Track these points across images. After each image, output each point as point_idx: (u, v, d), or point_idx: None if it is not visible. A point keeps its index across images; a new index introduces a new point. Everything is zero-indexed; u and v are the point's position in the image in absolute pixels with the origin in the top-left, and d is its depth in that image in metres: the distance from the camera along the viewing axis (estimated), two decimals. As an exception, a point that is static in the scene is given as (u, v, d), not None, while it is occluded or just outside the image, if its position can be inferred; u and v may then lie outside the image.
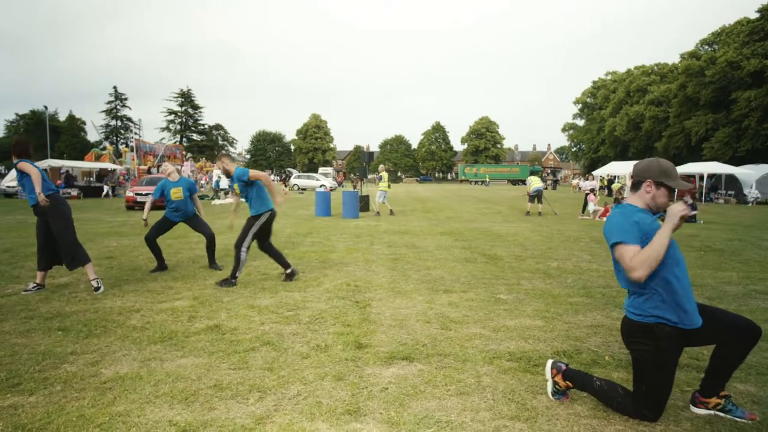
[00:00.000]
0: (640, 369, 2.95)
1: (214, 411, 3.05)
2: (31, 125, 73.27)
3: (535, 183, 18.14)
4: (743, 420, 2.91)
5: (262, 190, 6.56)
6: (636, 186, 3.02)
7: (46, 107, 53.51)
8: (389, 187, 18.38)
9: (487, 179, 74.46)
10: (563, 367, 3.23)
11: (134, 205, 20.22)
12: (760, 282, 6.77)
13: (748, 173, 28.92)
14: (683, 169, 32.10)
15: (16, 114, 78.60)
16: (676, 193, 29.44)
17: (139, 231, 12.53)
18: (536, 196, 18.13)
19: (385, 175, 18.55)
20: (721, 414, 2.97)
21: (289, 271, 6.76)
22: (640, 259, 2.69)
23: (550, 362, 3.31)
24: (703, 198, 29.81)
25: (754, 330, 2.83)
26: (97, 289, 6.01)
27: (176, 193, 7.38)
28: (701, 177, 30.78)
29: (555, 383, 3.22)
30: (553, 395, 3.24)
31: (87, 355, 3.98)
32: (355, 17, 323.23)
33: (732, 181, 29.97)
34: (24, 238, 10.77)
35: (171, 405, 3.12)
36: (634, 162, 38.15)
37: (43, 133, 51.00)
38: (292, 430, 2.83)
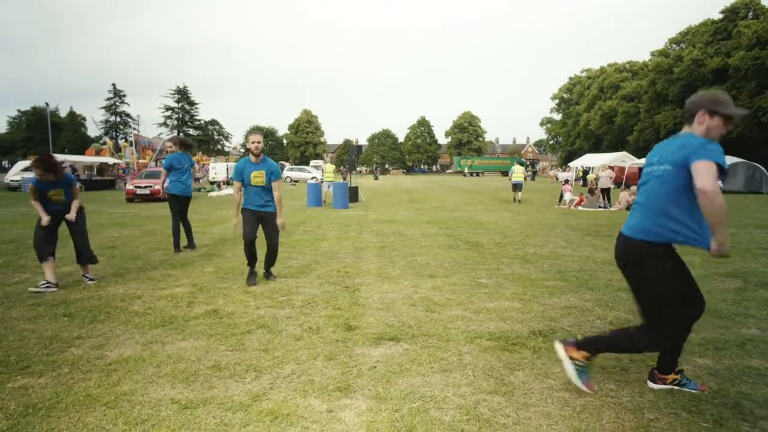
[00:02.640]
0: (650, 290, 2.81)
1: (214, 389, 3.08)
2: (33, 121, 72.14)
3: (516, 176, 18.82)
4: (696, 391, 3.01)
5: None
6: (689, 120, 2.82)
7: (47, 104, 52.58)
8: (334, 177, 18.99)
9: (467, 171, 74.39)
10: (573, 340, 3.09)
11: (134, 198, 20.06)
12: (720, 265, 6.90)
13: (712, 164, 29.27)
14: (652, 160, 32.35)
15: (18, 110, 77.29)
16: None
17: (139, 222, 12.45)
18: (516, 187, 19.10)
19: (327, 166, 19.13)
20: (677, 388, 3.05)
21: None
22: (721, 200, 2.49)
23: (558, 344, 3.12)
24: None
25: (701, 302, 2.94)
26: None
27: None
28: (669, 168, 31.04)
29: (573, 360, 3.03)
30: (578, 378, 3.01)
31: (92, 339, 3.98)
32: (344, 18, 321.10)
33: (698, 172, 30.29)
34: (28, 229, 10.63)
35: (173, 384, 3.15)
36: (607, 154, 38.52)
37: (45, 129, 50.23)
38: (287, 406, 2.87)
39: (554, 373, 3.32)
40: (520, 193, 19.27)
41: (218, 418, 2.73)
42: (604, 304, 4.95)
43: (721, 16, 41.44)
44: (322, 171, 20.03)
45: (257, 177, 5.76)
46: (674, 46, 48.79)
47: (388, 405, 2.89)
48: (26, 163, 32.53)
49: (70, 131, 71.91)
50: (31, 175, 28.34)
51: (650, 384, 3.12)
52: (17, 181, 28.50)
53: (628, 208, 16.17)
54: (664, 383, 3.08)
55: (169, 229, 8.33)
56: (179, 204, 8.11)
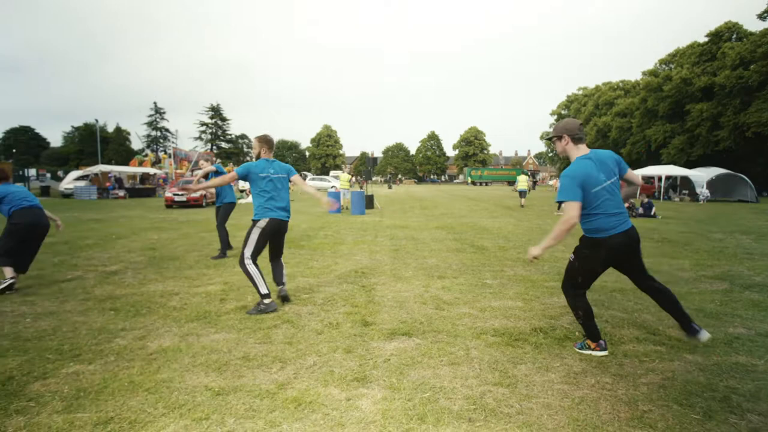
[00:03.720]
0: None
1: (243, 378, 3.10)
2: (85, 136, 73.32)
3: (521, 184, 20.10)
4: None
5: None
6: (581, 140, 3.49)
7: (97, 120, 53.43)
8: (351, 186, 19.42)
9: (469, 180, 75.42)
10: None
11: (172, 204, 20.32)
12: (708, 269, 6.78)
13: (699, 175, 28.82)
14: (644, 171, 32.00)
15: (72, 126, 78.67)
16: (638, 191, 29.44)
17: (176, 226, 12.59)
18: (522, 194, 20.85)
19: (342, 176, 19.47)
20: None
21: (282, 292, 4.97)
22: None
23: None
24: (661, 196, 29.73)
25: None
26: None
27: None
28: (660, 178, 30.69)
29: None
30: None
31: (135, 331, 4.03)
32: (359, 42, 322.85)
33: (686, 182, 29.86)
34: (79, 231, 10.83)
35: (206, 373, 3.17)
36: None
37: (95, 143, 51.09)
38: (309, 394, 2.87)
39: (554, 367, 3.28)
40: (524, 199, 20.72)
41: (247, 404, 2.74)
42: (600, 304, 4.89)
43: (706, 39, 40.88)
44: (339, 180, 20.46)
45: None
46: (663, 66, 48.14)
47: (401, 394, 2.88)
48: (78, 173, 33.21)
49: (116, 144, 72.89)
50: (83, 184, 28.99)
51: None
52: (70, 189, 29.11)
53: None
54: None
55: (204, 233, 8.38)
56: (230, 210, 8.07)
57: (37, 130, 75.99)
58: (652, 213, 15.75)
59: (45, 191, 31.51)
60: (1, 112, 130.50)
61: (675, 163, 36.82)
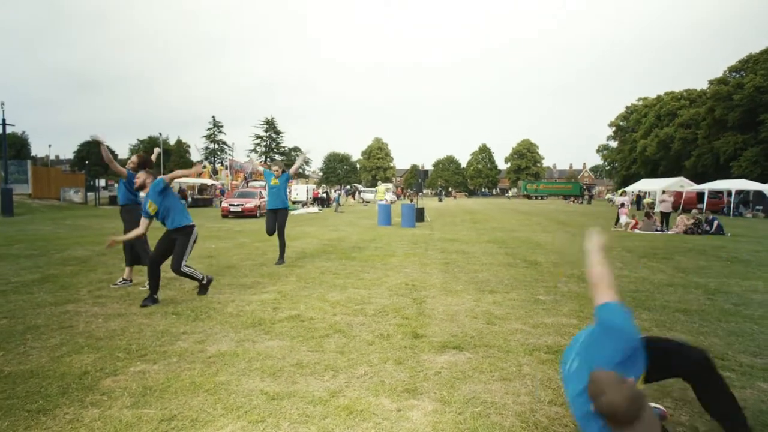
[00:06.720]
0: None
1: (296, 384, 3.20)
2: (149, 148, 77.89)
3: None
4: None
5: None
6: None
7: (160, 133, 56.81)
8: (390, 201, 19.49)
9: (510, 195, 75.14)
10: None
11: (228, 214, 21.17)
12: (785, 291, 6.33)
13: (775, 190, 26.94)
14: (712, 185, 30.34)
15: (137, 139, 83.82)
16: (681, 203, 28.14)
17: (232, 235, 13.10)
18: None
19: (380, 187, 19.42)
20: None
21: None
22: None
23: None
24: (731, 212, 27.98)
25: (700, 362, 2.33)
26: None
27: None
28: (729, 193, 28.94)
29: None
30: None
31: (195, 335, 4.24)
32: (413, 56, 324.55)
33: (760, 197, 27.96)
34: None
35: (262, 378, 3.30)
36: (664, 179, 36.31)
37: (158, 155, 54.19)
38: (360, 403, 2.93)
39: (612, 388, 3.17)
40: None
41: (300, 410, 2.83)
42: (661, 325, 4.68)
43: (784, 44, 38.46)
44: (376, 192, 20.57)
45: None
46: (733, 73, 45.47)
47: (452, 408, 2.88)
48: (142, 183, 35.24)
49: (177, 156, 76.73)
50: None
51: None
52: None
53: (686, 232, 15.20)
54: None
55: (256, 243, 8.67)
56: (278, 216, 8.30)
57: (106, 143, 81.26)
58: (714, 228, 14.89)
59: (113, 200, 33.62)
60: (76, 126, 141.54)
61: (747, 177, 34.55)
